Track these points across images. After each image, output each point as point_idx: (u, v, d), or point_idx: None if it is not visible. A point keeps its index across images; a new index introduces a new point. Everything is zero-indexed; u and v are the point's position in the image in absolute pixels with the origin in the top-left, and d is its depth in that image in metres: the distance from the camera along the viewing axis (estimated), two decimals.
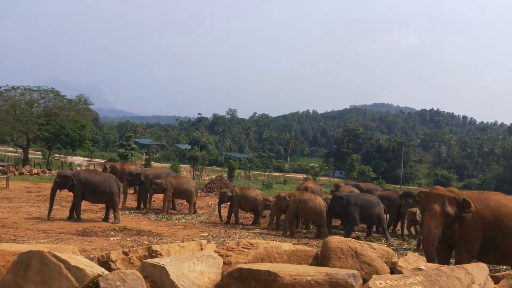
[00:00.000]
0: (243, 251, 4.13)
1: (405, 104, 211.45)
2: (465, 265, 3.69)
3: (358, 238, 10.28)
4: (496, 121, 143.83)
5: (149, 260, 3.52)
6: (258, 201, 12.25)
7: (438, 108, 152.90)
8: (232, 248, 4.23)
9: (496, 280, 3.76)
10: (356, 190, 13.19)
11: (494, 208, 5.66)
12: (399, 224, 11.62)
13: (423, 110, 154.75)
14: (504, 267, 6.62)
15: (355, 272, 3.32)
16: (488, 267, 5.61)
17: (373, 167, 67.13)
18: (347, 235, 9.93)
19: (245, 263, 3.90)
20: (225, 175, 32.95)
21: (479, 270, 3.57)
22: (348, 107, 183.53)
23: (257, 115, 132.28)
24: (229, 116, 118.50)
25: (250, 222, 12.55)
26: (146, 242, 8.05)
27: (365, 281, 3.45)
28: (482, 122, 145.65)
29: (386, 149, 74.66)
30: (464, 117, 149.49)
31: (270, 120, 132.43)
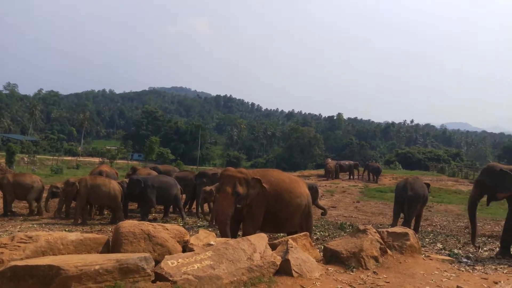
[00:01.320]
0: (19, 246, 3.61)
1: (202, 89, 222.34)
2: (248, 237, 4.11)
3: (155, 220, 10.31)
4: (277, 108, 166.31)
5: None
6: (35, 189, 10.92)
7: (231, 95, 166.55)
8: (5, 244, 3.66)
9: (274, 247, 4.31)
10: (154, 173, 13.17)
11: (275, 183, 6.42)
12: (195, 202, 12.15)
13: (218, 96, 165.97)
14: (282, 234, 7.65)
15: (147, 255, 3.29)
16: (269, 236, 6.38)
17: (172, 149, 68.27)
18: (143, 218, 9.85)
19: (22, 259, 3.42)
20: (2, 160, 28.26)
21: (260, 240, 4.02)
22: (147, 89, 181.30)
23: (43, 91, 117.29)
24: (7, 92, 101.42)
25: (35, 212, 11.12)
26: None
27: (158, 262, 3.46)
28: (266, 109, 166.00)
29: (184, 131, 77.01)
30: (252, 104, 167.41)
31: (60, 98, 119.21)
